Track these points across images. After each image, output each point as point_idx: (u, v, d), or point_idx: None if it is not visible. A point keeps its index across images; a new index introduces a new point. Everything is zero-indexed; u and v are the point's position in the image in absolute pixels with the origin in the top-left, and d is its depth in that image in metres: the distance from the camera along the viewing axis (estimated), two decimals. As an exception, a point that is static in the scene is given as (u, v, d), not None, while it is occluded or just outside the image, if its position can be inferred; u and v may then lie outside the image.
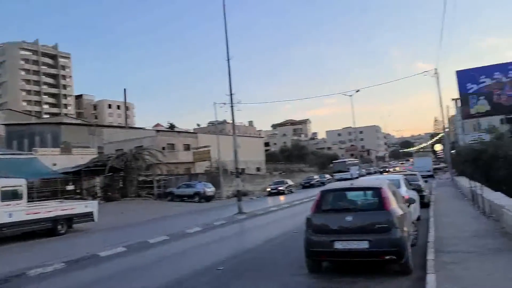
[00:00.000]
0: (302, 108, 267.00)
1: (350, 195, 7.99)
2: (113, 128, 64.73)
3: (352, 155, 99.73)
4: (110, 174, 35.66)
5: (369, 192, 7.92)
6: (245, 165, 53.75)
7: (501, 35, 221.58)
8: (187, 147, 52.68)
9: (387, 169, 73.09)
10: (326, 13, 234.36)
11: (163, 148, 45.30)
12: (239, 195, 22.40)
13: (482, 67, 61.19)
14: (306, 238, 7.36)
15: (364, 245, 6.80)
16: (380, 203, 7.12)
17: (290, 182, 44.93)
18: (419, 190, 16.82)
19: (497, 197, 12.04)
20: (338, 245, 6.95)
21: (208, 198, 34.82)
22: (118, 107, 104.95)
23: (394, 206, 7.20)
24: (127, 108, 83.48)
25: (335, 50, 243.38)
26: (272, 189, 40.99)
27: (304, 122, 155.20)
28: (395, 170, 64.97)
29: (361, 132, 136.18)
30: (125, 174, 36.58)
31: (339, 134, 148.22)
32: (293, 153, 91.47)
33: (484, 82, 59.13)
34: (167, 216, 23.28)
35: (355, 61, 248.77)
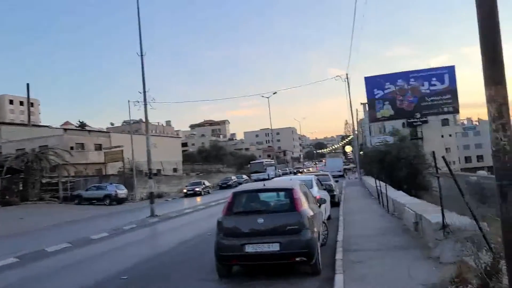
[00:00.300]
0: (221, 109, 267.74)
1: (262, 196, 7.82)
2: (14, 126, 58.94)
3: (269, 155, 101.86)
4: (8, 176, 32.27)
5: (281, 193, 7.83)
6: (161, 166, 52.15)
7: (407, 45, 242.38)
8: (98, 147, 49.62)
9: (300, 170, 75.79)
10: (245, 13, 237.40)
11: (71, 148, 42.19)
12: (152, 197, 21.42)
13: (387, 74, 66.10)
14: (216, 242, 7.04)
15: (275, 247, 6.65)
16: (292, 204, 7.03)
17: (207, 183, 44.47)
18: (330, 190, 17.42)
19: (399, 196, 12.80)
20: (249, 249, 6.73)
21: (120, 201, 33.07)
22: (21, 103, 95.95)
23: (305, 207, 7.17)
24: (31, 105, 76.64)
25: (254, 52, 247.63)
26: (188, 190, 40.20)
27: (223, 122, 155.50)
28: (308, 170, 67.60)
29: (278, 134, 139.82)
30: (26, 175, 33.37)
31: (257, 135, 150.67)
32: (211, 153, 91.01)
33: (389, 88, 63.92)
34: (73, 221, 21.51)
35: (273, 63, 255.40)
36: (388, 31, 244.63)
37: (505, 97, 3.36)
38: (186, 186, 42.60)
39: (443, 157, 5.81)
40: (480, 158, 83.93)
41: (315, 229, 7.11)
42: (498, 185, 3.36)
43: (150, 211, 20.48)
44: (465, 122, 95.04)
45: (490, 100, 3.40)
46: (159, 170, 51.57)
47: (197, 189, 40.33)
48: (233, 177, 57.84)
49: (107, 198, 32.55)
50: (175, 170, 62.42)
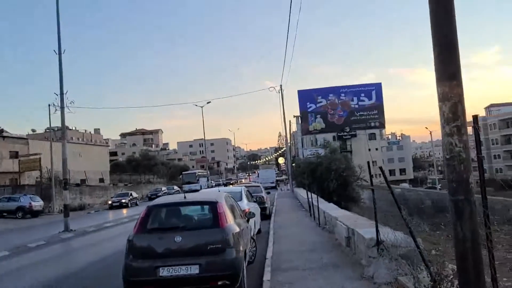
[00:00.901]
0: (155, 118, 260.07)
1: (182, 211, 6.86)
2: None
3: (202, 166, 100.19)
4: None
5: (203, 207, 6.92)
6: (85, 176, 48.72)
7: (337, 63, 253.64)
8: (14, 155, 45.16)
9: (231, 181, 74.94)
10: (184, 22, 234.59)
11: (-19, 155, 37.92)
12: (66, 210, 19.31)
13: (320, 88, 68.22)
14: (125, 265, 5.95)
15: (194, 270, 5.73)
16: (215, 220, 6.17)
17: (134, 194, 42.19)
18: (261, 202, 16.81)
19: (330, 208, 12.43)
20: (164, 272, 5.74)
21: (35, 213, 30.04)
22: None
23: (231, 222, 6.35)
24: None
25: (191, 62, 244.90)
26: (114, 202, 37.71)
27: (156, 132, 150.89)
28: (241, 181, 67.11)
29: (212, 144, 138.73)
30: None
31: (190, 146, 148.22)
32: (142, 163, 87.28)
33: (321, 102, 65.93)
34: (-28, 237, 18.80)
35: (210, 75, 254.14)
36: (320, 48, 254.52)
37: (460, 95, 2.80)
38: (112, 197, 40.02)
39: (380, 167, 5.33)
40: (403, 171, 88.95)
41: (241, 248, 6.31)
42: (453, 200, 2.78)
43: (64, 226, 18.45)
44: (390, 137, 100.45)
45: (443, 98, 2.83)
46: (83, 180, 48.18)
47: (123, 200, 37.98)
48: (164, 188, 55.77)
49: (20, 211, 29.45)
50: (101, 180, 58.78)
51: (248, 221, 8.47)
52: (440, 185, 75.92)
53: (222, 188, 16.76)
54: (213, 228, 6.06)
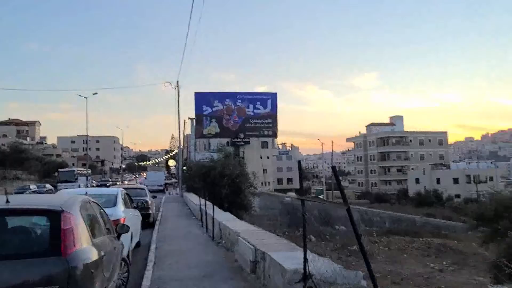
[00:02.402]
0: (35, 109, 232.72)
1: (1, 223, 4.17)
2: None
3: (84, 164, 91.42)
4: None
5: (37, 220, 4.28)
6: None
7: (233, 71, 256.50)
8: None
9: (108, 183, 67.75)
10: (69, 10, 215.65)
11: None
12: None
13: (217, 92, 66.73)
14: None
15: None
16: (54, 242, 3.68)
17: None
18: (144, 207, 14.23)
19: (228, 219, 10.44)
20: None
21: None
22: None
23: (83, 245, 3.93)
24: None
25: (80, 52, 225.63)
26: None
27: (32, 123, 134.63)
28: (123, 183, 61.92)
29: (97, 142, 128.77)
30: None
31: (73, 141, 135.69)
32: (10, 157, 76.22)
33: (217, 106, 64.34)
34: None
35: (100, 68, 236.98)
36: (219, 56, 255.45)
37: None
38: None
39: (333, 167, 3.49)
40: (290, 180, 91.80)
41: (97, 285, 3.95)
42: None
43: None
44: (280, 147, 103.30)
45: None
46: None
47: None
48: (32, 186, 48.81)
49: None
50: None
51: (119, 237, 6.03)
52: (323, 195, 79.77)
53: (91, 189, 13.77)
54: (48, 257, 3.58)
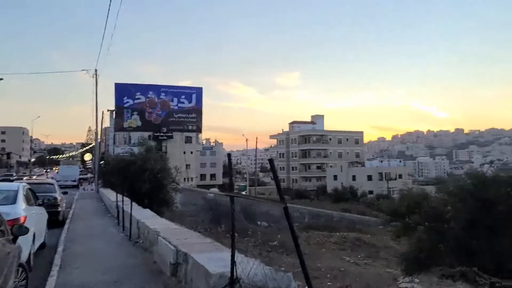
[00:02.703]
0: None
1: None
2: None
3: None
4: None
5: None
6: None
7: (157, 65, 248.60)
8: None
9: (14, 177, 61.57)
10: None
11: None
12: None
13: (139, 84, 63.95)
14: None
15: None
16: None
17: None
18: (53, 204, 12.93)
19: (147, 216, 9.73)
20: None
21: None
22: None
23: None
24: None
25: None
26: None
27: None
28: (31, 178, 56.79)
29: (3, 133, 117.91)
30: None
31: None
32: None
33: (139, 99, 61.65)
34: None
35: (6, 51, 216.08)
36: (143, 49, 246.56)
37: None
38: None
39: (270, 160, 3.14)
40: (213, 176, 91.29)
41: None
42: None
43: None
44: (204, 142, 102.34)
45: None
46: None
47: None
48: None
49: None
50: None
51: (15, 240, 5.16)
52: (246, 191, 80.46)
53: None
54: None
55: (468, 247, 9.62)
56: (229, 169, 4.17)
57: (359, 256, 19.93)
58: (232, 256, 3.94)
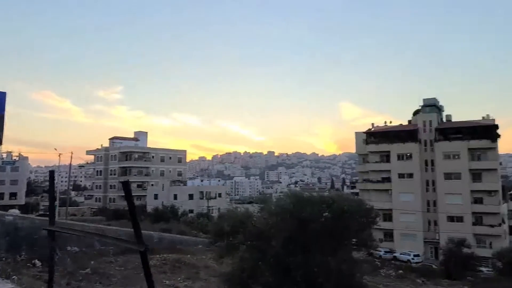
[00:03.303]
0: None
1: None
2: None
3: None
4: None
5: None
6: None
7: None
8: None
9: None
10: None
11: None
12: None
13: None
14: None
15: None
16: None
17: None
18: None
19: None
20: None
21: None
22: None
23: None
24: None
25: None
26: None
27: None
28: None
29: None
30: None
31: None
32: None
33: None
34: None
35: None
36: None
37: None
38: None
39: (124, 182, 2.29)
40: (13, 195, 79.02)
41: None
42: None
43: None
44: (5, 156, 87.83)
45: None
46: None
47: None
48: None
49: None
50: None
51: None
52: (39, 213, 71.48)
53: None
54: None
55: (285, 264, 10.09)
56: (49, 191, 3.12)
57: (179, 278, 19.41)
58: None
